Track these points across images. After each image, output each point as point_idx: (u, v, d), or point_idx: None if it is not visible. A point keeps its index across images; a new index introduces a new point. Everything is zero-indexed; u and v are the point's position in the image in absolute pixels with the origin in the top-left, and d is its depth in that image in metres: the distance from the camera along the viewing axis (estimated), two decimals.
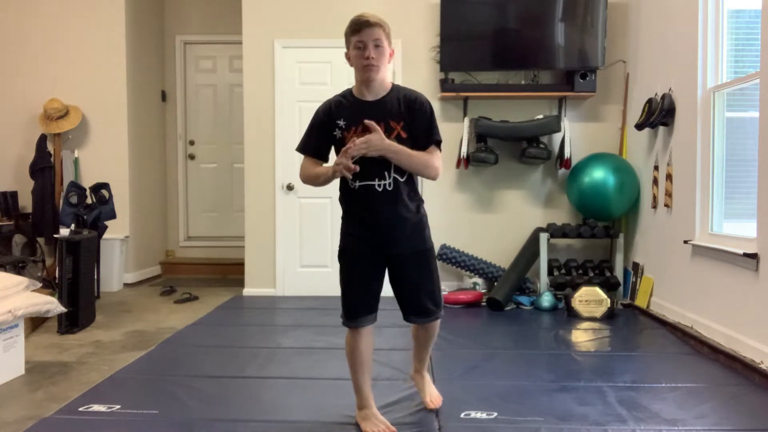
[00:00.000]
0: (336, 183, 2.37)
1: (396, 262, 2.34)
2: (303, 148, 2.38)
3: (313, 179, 2.35)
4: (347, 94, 2.34)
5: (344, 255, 2.38)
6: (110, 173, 5.47)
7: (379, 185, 2.26)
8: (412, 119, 2.28)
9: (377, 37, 2.20)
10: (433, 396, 2.62)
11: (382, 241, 2.31)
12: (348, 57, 2.29)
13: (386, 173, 2.26)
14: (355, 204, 2.32)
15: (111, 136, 5.58)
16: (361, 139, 2.18)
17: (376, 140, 2.19)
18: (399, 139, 2.25)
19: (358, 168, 2.17)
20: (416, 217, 2.34)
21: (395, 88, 2.33)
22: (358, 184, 2.27)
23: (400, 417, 2.51)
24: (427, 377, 2.67)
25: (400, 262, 2.34)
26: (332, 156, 2.37)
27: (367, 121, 2.21)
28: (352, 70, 2.31)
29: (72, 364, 3.32)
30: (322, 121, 2.32)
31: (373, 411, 2.40)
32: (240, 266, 5.41)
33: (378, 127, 2.20)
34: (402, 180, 2.29)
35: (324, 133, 2.32)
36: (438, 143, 2.32)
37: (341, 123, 2.28)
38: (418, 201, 2.37)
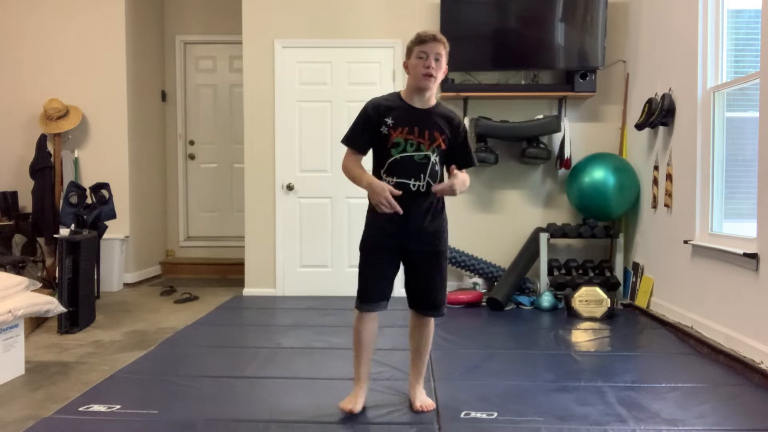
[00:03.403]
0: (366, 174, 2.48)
1: (414, 258, 2.51)
2: (349, 140, 2.52)
3: (350, 177, 2.50)
4: (396, 95, 2.53)
5: (369, 245, 2.53)
6: (110, 173, 5.47)
7: (414, 185, 2.43)
8: (452, 136, 2.48)
9: (439, 51, 2.41)
10: (424, 402, 2.59)
11: (406, 238, 2.47)
12: (406, 66, 2.50)
13: (422, 175, 2.43)
14: None
15: (111, 136, 5.58)
16: (448, 185, 2.36)
17: (460, 184, 2.38)
18: (439, 150, 2.46)
19: (401, 211, 2.37)
20: (439, 221, 2.52)
21: (439, 103, 2.54)
22: (394, 180, 2.42)
23: (400, 417, 2.51)
24: (421, 390, 2.64)
25: (418, 258, 2.51)
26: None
27: (457, 177, 2.38)
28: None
29: (72, 364, 3.31)
30: (371, 117, 2.47)
31: (358, 390, 2.56)
32: (240, 266, 5.40)
33: (462, 175, 2.40)
34: (433, 184, 2.45)
35: (371, 128, 2.46)
36: (473, 166, 2.57)
37: (389, 121, 2.43)
38: (443, 206, 2.55)
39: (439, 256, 2.53)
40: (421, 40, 2.43)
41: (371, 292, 2.50)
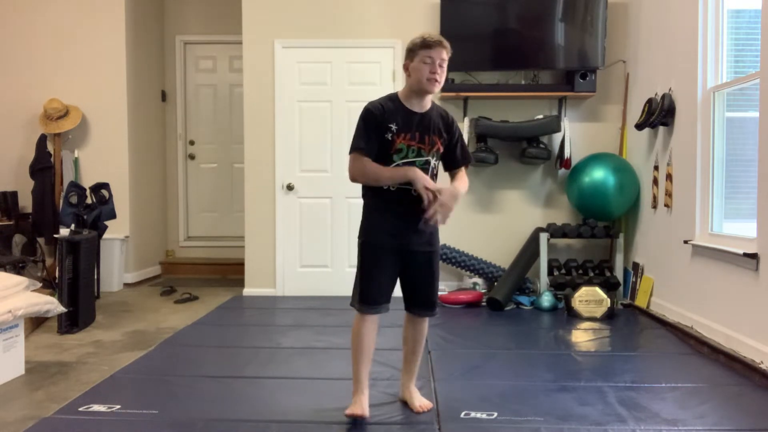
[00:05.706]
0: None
1: (413, 259, 2.51)
2: (363, 148, 2.43)
3: (373, 178, 2.45)
4: (395, 99, 2.49)
5: (370, 247, 2.50)
6: (110, 173, 5.47)
7: (414, 191, 2.40)
8: (449, 137, 2.52)
9: (443, 57, 2.41)
10: (422, 402, 2.61)
11: (407, 239, 2.48)
12: (406, 67, 2.46)
13: None
14: (389, 203, 2.46)
15: (111, 136, 5.58)
16: (440, 203, 2.35)
17: (450, 199, 2.37)
18: (437, 154, 2.50)
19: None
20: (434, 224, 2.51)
21: (434, 104, 2.54)
22: (396, 187, 2.43)
23: (400, 417, 2.51)
24: (415, 390, 2.66)
25: (418, 259, 2.51)
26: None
27: (432, 188, 2.38)
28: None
29: (72, 364, 3.31)
30: (378, 121, 2.43)
31: (361, 396, 2.48)
32: (240, 266, 5.41)
33: (449, 190, 2.41)
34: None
35: (379, 133, 2.43)
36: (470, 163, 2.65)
37: (393, 127, 2.42)
38: None
39: (435, 256, 2.58)
40: (427, 45, 2.40)
41: (376, 293, 2.46)
